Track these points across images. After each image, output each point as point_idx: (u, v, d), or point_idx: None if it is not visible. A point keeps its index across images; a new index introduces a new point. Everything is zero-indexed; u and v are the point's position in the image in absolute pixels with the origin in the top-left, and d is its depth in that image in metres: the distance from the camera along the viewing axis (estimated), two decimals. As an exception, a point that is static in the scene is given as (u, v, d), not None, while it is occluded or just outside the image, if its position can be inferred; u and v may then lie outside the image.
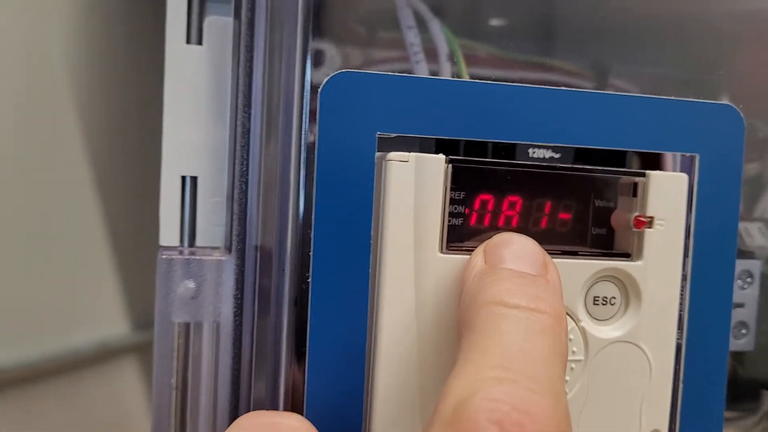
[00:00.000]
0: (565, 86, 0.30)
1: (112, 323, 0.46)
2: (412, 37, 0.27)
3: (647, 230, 0.22)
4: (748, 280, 0.29)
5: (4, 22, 0.37)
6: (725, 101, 0.34)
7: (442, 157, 0.21)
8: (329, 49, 0.28)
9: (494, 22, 0.32)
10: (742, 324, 0.29)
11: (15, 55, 0.37)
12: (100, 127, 0.43)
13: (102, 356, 0.45)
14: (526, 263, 0.19)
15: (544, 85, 0.30)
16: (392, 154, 0.21)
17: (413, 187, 0.21)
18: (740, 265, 0.29)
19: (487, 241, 0.20)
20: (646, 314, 0.22)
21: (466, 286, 0.19)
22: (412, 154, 0.21)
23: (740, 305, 0.29)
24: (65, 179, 0.41)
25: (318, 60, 0.28)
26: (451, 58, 0.27)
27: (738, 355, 0.31)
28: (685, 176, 0.23)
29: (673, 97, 0.23)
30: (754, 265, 0.29)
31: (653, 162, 0.25)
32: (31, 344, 0.41)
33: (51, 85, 0.40)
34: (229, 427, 0.19)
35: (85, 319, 0.45)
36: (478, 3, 0.31)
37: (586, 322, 0.22)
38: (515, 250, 0.19)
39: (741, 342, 0.29)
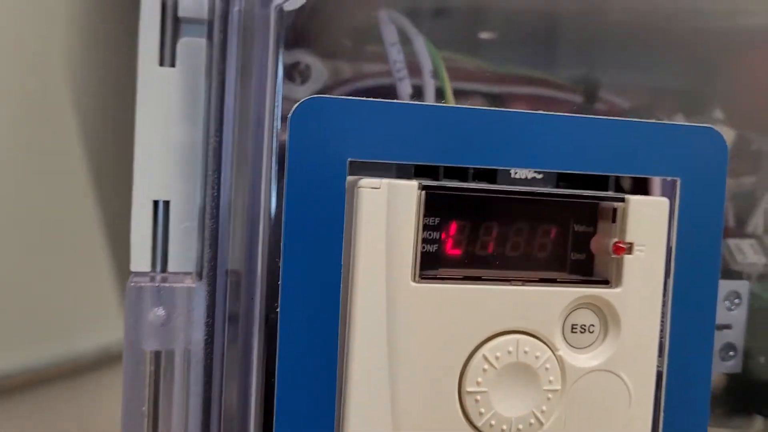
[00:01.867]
0: (553, 100, 0.29)
1: (113, 330, 0.47)
2: (395, 54, 0.26)
3: (627, 256, 0.22)
4: (736, 301, 0.29)
5: (4, 22, 0.37)
6: (717, 113, 0.34)
7: (414, 183, 0.21)
8: (315, 63, 0.28)
9: (483, 35, 0.32)
10: (730, 346, 0.29)
11: (15, 56, 0.37)
12: (100, 133, 0.43)
13: (103, 362, 0.45)
14: None
15: (532, 98, 0.30)
16: (363, 181, 0.20)
17: (385, 214, 0.20)
18: (728, 285, 0.29)
19: None
20: (625, 342, 0.22)
21: None
22: (384, 180, 0.20)
23: (727, 326, 0.28)
24: (67, 186, 0.42)
25: (305, 74, 0.28)
26: (435, 74, 0.27)
27: (728, 377, 0.30)
28: (666, 201, 0.22)
29: (655, 120, 0.23)
30: (742, 286, 0.29)
31: (641, 185, 0.25)
32: (35, 350, 0.41)
33: (53, 88, 0.40)
34: None
35: (87, 326, 0.45)
36: (466, 17, 0.31)
37: (564, 351, 0.22)
38: None
39: (729, 364, 0.29)
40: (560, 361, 0.21)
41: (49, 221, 0.40)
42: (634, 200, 0.22)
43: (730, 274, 0.29)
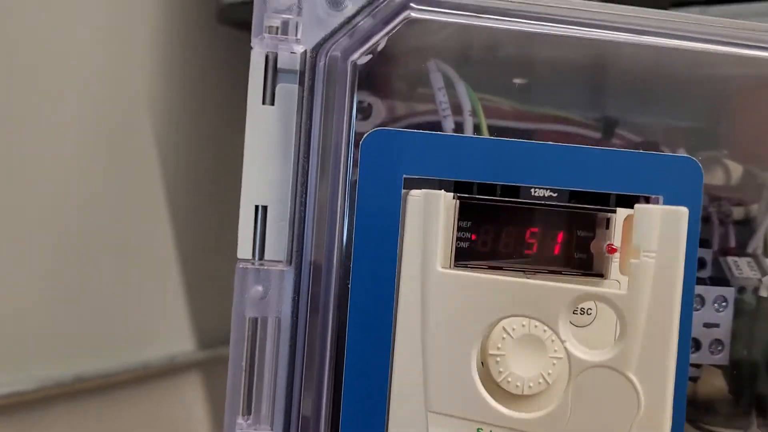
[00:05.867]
0: (575, 135, 0.36)
1: (179, 341, 0.52)
2: (441, 96, 0.33)
3: (633, 261, 0.25)
4: (723, 304, 0.34)
5: (96, 61, 0.43)
6: (725, 152, 0.40)
7: (442, 192, 0.27)
8: (376, 103, 0.35)
9: (516, 80, 0.38)
10: (718, 341, 0.34)
11: (105, 92, 0.44)
12: (175, 160, 0.49)
13: (170, 370, 0.51)
14: None
15: (558, 134, 0.36)
16: (412, 192, 0.27)
17: (423, 215, 0.27)
18: (717, 291, 0.34)
19: None
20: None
21: None
22: (422, 191, 0.27)
23: (716, 325, 0.34)
24: (140, 212, 0.47)
25: (367, 112, 0.35)
26: (473, 113, 0.33)
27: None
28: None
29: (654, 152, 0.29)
30: (729, 292, 0.34)
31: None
32: (109, 357, 0.46)
33: (135, 121, 0.46)
34: None
35: (156, 337, 0.50)
36: (500, 64, 0.37)
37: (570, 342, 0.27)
38: None
39: (717, 357, 0.34)
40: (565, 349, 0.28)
41: (127, 247, 0.46)
42: (620, 211, 0.28)
43: (718, 281, 0.35)
